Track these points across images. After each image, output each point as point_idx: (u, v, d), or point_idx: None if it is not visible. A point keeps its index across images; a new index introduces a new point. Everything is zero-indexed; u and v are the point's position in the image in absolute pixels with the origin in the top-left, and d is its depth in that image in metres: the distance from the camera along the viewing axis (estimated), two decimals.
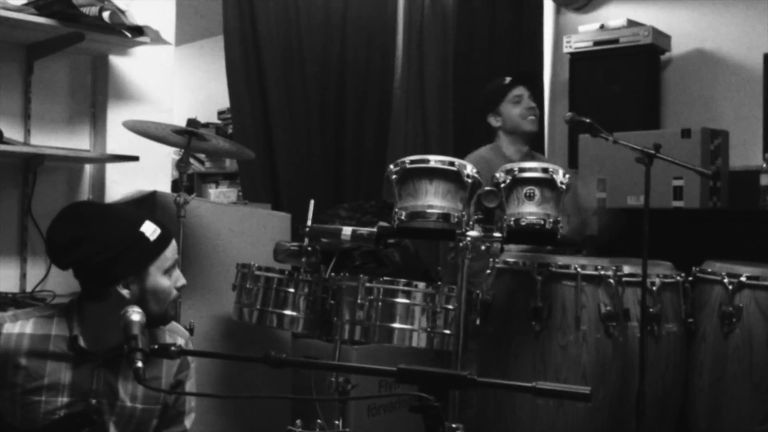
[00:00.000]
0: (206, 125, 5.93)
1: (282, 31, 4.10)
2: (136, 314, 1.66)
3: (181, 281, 1.96)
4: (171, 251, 1.92)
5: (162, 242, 1.89)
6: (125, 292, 1.84)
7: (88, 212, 1.93)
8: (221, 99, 5.45)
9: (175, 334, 2.03)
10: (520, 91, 3.47)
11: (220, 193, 5.88)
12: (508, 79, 3.52)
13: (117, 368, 1.88)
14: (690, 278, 2.78)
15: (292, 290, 2.52)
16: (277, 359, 1.47)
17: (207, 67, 6.34)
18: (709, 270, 2.74)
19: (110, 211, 2.02)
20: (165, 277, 1.90)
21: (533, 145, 3.66)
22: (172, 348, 1.58)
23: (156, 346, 1.59)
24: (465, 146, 4.45)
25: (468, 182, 2.31)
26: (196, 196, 5.03)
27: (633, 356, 2.57)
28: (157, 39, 2.97)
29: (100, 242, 1.82)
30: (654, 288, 2.63)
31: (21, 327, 1.87)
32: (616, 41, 4.54)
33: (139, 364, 1.55)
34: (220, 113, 6.27)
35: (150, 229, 1.87)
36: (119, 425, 1.90)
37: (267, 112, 4.05)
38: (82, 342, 1.87)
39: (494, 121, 3.51)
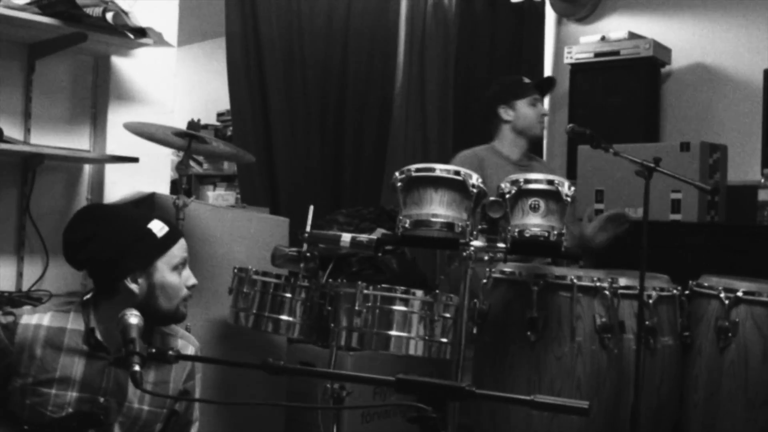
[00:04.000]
0: (205, 127, 5.93)
1: (284, 36, 4.10)
2: (133, 317, 1.66)
3: (192, 280, 2.00)
4: (179, 249, 1.97)
5: (169, 239, 1.95)
6: (134, 286, 1.90)
7: (99, 213, 2.03)
8: (220, 100, 5.46)
9: (187, 342, 2.06)
10: (537, 95, 3.46)
11: (218, 196, 5.86)
12: (527, 80, 3.51)
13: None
14: (686, 292, 2.77)
15: (289, 295, 2.51)
16: (276, 366, 1.46)
17: (206, 68, 6.34)
18: (706, 284, 2.74)
19: (120, 211, 2.11)
20: (173, 274, 1.94)
21: (533, 150, 3.64)
22: (170, 352, 1.57)
23: (154, 350, 1.59)
24: None
25: (473, 192, 2.31)
26: (195, 198, 5.02)
27: (628, 369, 2.57)
28: (159, 41, 2.96)
29: (108, 239, 1.89)
30: (650, 301, 2.63)
31: (38, 319, 1.91)
32: (616, 53, 4.56)
33: (137, 367, 1.54)
34: (219, 115, 6.27)
35: (157, 227, 1.94)
36: (124, 426, 1.91)
37: (267, 115, 4.05)
38: (98, 335, 1.90)
39: (505, 114, 3.44)
